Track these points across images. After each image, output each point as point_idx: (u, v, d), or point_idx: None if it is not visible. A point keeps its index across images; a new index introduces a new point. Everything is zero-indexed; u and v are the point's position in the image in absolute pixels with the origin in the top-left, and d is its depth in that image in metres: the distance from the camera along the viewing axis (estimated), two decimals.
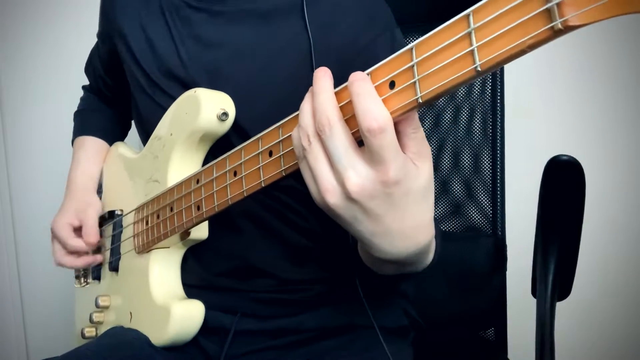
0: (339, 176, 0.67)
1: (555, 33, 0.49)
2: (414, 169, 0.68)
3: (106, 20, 1.31)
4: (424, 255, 0.83)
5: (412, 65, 0.62)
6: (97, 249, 1.36)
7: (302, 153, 0.71)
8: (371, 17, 1.12)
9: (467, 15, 0.56)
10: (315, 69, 1.01)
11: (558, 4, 0.48)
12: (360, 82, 0.65)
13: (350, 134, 0.68)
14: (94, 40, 1.43)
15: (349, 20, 1.10)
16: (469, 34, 0.56)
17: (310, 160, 0.69)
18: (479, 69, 0.55)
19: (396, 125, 0.67)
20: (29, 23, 2.26)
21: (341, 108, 0.69)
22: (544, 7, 0.49)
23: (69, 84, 1.72)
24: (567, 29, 0.48)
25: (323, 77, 0.70)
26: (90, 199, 1.35)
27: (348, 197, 0.67)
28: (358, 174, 0.66)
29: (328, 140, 0.67)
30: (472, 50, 0.56)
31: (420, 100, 0.61)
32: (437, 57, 0.59)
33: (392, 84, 0.64)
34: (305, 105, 0.71)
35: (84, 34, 1.62)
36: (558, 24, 0.49)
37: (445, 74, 0.59)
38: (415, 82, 0.62)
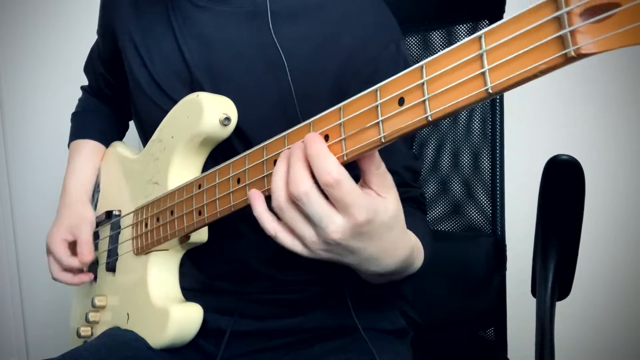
0: (321, 230, 0.75)
1: (568, 60, 0.50)
2: (381, 202, 0.77)
3: (108, 17, 1.30)
4: (407, 263, 0.90)
5: (422, 83, 0.62)
6: (94, 247, 1.36)
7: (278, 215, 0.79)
8: (379, 29, 1.12)
9: (479, 37, 0.56)
10: (310, 79, 1.03)
11: (572, 32, 0.48)
12: (311, 143, 0.73)
13: (323, 194, 0.74)
14: (94, 39, 1.42)
15: (356, 31, 1.09)
16: (481, 55, 0.56)
17: (287, 221, 0.77)
18: (490, 90, 0.56)
19: (360, 164, 0.75)
20: (29, 23, 2.25)
21: None
22: (558, 34, 0.50)
23: (69, 83, 1.71)
24: (580, 56, 0.49)
25: (299, 148, 0.76)
26: (84, 212, 1.33)
27: (331, 243, 0.76)
28: (337, 225, 0.74)
29: (305, 206, 0.74)
30: (484, 72, 0.56)
31: (429, 119, 0.62)
32: (448, 77, 0.60)
33: (401, 101, 0.65)
34: (277, 177, 0.78)
35: (84, 33, 1.61)
36: (571, 51, 0.49)
37: (456, 94, 0.59)
38: (425, 101, 0.62)
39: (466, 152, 1.52)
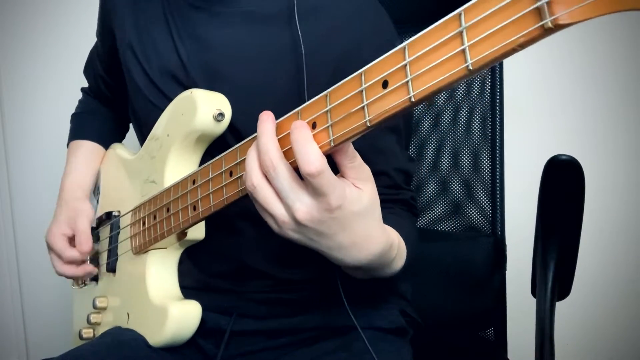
0: (289, 208, 0.77)
1: (546, 31, 0.50)
2: (355, 192, 0.79)
3: (106, 17, 1.30)
4: (383, 260, 0.91)
5: (405, 65, 0.63)
6: (96, 259, 1.37)
7: (252, 193, 0.80)
8: (374, 30, 1.12)
9: (459, 15, 0.57)
10: (307, 78, 1.03)
11: (548, 3, 0.48)
12: (298, 129, 0.75)
13: (293, 171, 0.77)
14: (94, 40, 1.43)
15: (351, 31, 1.10)
16: (461, 33, 0.56)
17: (260, 199, 0.79)
18: (470, 67, 0.56)
19: (334, 158, 0.78)
20: (29, 23, 2.26)
21: (284, 138, 0.79)
22: (534, 6, 0.50)
23: (70, 84, 1.72)
24: (557, 27, 0.49)
25: (266, 120, 0.80)
26: (80, 206, 1.34)
27: (300, 224, 0.78)
28: (305, 205, 0.76)
29: (274, 180, 0.77)
30: (464, 50, 0.56)
31: (413, 99, 0.62)
32: (430, 57, 0.60)
33: (385, 84, 0.65)
34: (251, 152, 0.81)
35: (84, 34, 1.61)
36: (548, 22, 0.49)
37: (437, 73, 0.59)
38: (408, 82, 0.62)
39: (466, 152, 1.52)
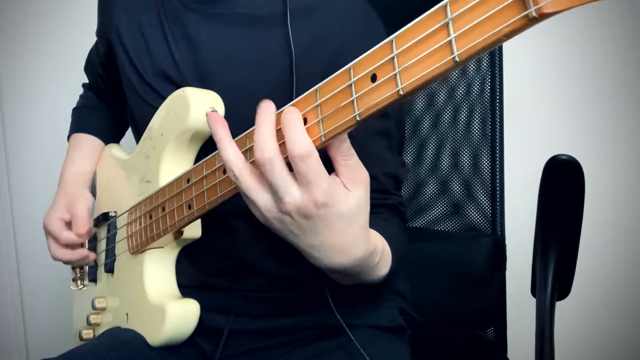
0: (278, 200, 0.77)
1: (530, 21, 0.50)
2: (343, 193, 0.77)
3: (103, 18, 1.31)
4: (365, 266, 0.89)
5: (393, 57, 0.62)
6: (93, 249, 1.37)
7: (233, 182, 0.81)
8: (365, 32, 1.12)
9: (445, 6, 0.57)
10: (299, 80, 1.04)
11: None
12: (290, 114, 0.75)
13: (285, 164, 0.75)
14: (94, 39, 1.44)
15: (343, 34, 1.10)
16: (447, 24, 0.56)
17: (244, 189, 0.79)
18: (457, 59, 0.56)
19: (328, 152, 0.77)
20: (29, 23, 2.26)
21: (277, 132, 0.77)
22: None
23: (69, 83, 1.73)
24: (542, 16, 0.49)
25: (267, 110, 0.78)
26: (80, 192, 1.35)
27: (286, 214, 0.77)
28: (293, 197, 0.75)
29: (269, 173, 0.75)
30: (450, 41, 0.56)
31: (401, 92, 0.62)
32: (417, 49, 0.60)
33: (373, 77, 0.65)
34: (228, 149, 0.81)
35: (84, 33, 1.62)
36: (532, 11, 0.49)
37: (425, 65, 0.59)
38: (396, 75, 0.62)
39: (466, 152, 1.52)
